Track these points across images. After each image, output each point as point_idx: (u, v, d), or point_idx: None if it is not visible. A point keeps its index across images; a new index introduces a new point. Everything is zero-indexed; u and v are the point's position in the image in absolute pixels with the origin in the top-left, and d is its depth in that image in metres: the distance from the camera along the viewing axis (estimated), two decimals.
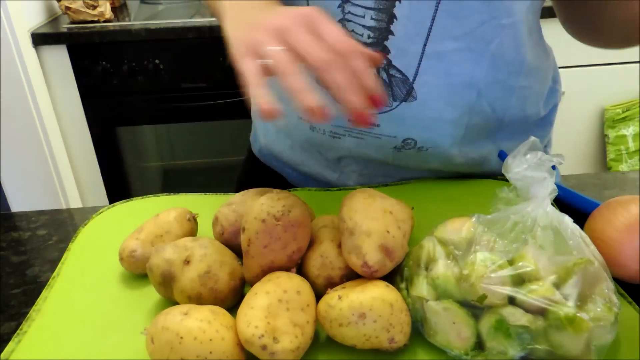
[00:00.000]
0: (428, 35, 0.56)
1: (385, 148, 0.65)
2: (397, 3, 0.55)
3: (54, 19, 1.65)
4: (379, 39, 0.58)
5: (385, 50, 0.58)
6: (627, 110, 1.74)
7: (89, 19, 1.55)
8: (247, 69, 0.44)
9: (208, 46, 1.53)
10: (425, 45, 0.57)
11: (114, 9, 1.71)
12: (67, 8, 1.54)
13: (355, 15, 0.57)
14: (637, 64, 1.68)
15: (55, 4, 1.68)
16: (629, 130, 1.76)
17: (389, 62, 0.59)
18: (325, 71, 0.43)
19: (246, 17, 0.48)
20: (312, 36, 0.44)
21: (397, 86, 0.60)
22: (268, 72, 0.44)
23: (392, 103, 0.61)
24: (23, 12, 1.48)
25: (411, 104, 0.61)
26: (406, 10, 0.56)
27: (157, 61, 1.54)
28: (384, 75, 0.60)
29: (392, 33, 0.57)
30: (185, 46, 1.53)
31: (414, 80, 0.59)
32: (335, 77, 0.43)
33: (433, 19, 0.56)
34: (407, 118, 0.62)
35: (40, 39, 1.48)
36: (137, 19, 1.65)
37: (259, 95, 0.42)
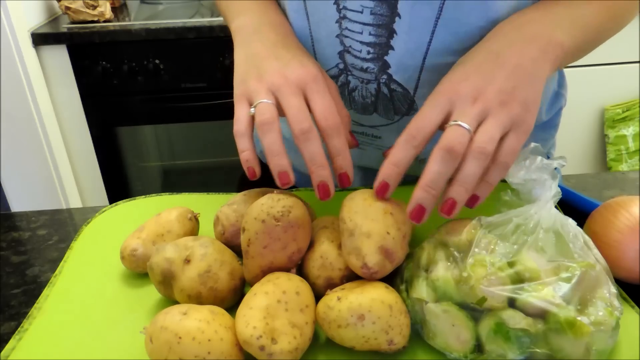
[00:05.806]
0: (427, 49, 0.56)
1: None
2: (397, 19, 0.55)
3: (54, 19, 1.65)
4: (379, 54, 0.57)
5: (385, 65, 0.58)
6: (627, 110, 1.74)
7: (89, 19, 1.54)
8: (239, 115, 0.48)
9: (208, 46, 1.53)
10: (424, 59, 0.57)
11: (114, 9, 1.71)
12: (67, 8, 1.53)
13: (353, 31, 0.57)
14: (637, 64, 1.68)
15: (55, 4, 1.68)
16: (629, 130, 1.76)
17: (390, 77, 0.59)
18: (301, 141, 0.46)
19: (257, 59, 0.52)
20: (301, 101, 0.48)
21: (398, 100, 0.60)
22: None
23: (394, 117, 0.61)
24: (23, 12, 1.48)
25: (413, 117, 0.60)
26: (406, 26, 0.55)
27: (157, 61, 1.54)
28: (385, 90, 0.59)
29: (392, 48, 0.57)
30: (185, 46, 1.53)
31: (414, 93, 0.59)
32: (309, 148, 0.46)
33: (432, 33, 0.55)
34: None
35: (40, 39, 1.48)
36: (137, 19, 1.65)
37: (245, 150, 0.47)
